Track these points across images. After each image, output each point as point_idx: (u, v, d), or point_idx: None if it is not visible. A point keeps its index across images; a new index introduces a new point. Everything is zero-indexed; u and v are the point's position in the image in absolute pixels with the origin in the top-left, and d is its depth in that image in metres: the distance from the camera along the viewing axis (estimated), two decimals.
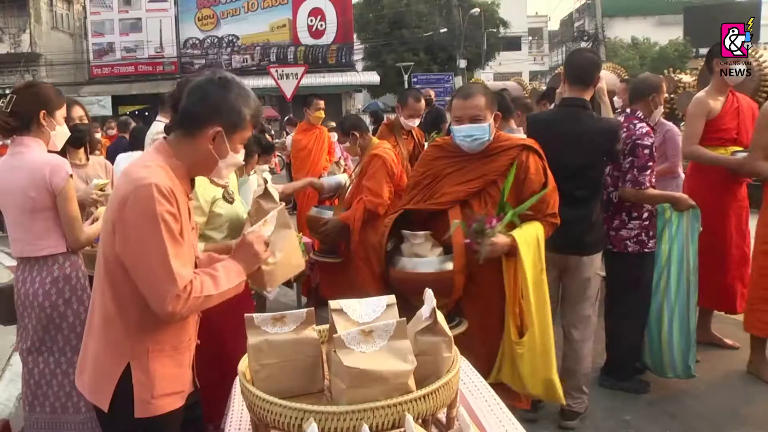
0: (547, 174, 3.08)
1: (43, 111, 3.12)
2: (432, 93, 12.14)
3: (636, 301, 4.08)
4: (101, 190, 3.67)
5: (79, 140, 3.81)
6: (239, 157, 2.11)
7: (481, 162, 3.08)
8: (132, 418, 1.97)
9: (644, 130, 3.91)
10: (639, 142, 3.85)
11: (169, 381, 2.03)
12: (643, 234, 4.00)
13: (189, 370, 2.14)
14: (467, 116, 3.01)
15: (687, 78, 8.24)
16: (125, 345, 1.98)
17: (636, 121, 3.99)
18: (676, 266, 4.01)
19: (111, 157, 6.75)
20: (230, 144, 2.03)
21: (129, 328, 1.97)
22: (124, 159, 5.54)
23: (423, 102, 5.47)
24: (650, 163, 3.87)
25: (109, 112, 26.68)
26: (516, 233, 2.93)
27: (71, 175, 3.10)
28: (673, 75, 8.52)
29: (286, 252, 2.18)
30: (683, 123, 7.27)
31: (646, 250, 4.01)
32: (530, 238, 2.98)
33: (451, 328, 2.54)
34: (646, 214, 4.01)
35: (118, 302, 1.97)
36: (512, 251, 2.92)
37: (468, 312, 3.06)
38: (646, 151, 3.85)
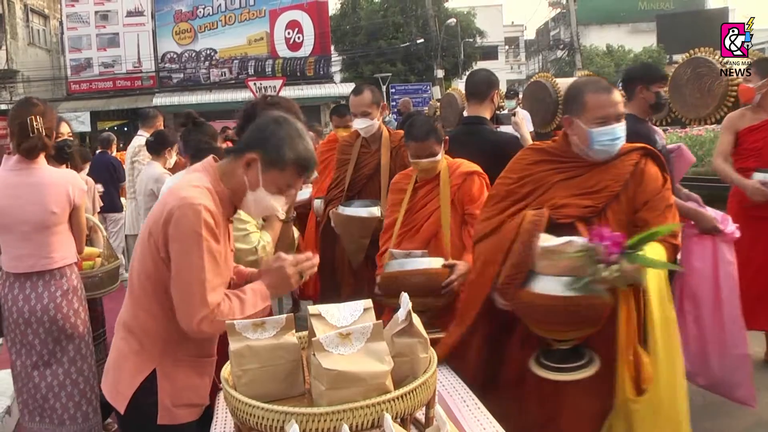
0: (667, 185, 2.56)
1: (54, 130, 3.34)
2: (410, 104, 12.29)
3: None
4: None
5: (64, 155, 3.86)
6: (273, 200, 2.06)
7: (600, 169, 2.55)
8: (145, 423, 2.05)
9: None
10: None
11: (190, 391, 2.10)
12: None
13: (209, 381, 2.20)
14: (614, 114, 2.49)
15: None
16: (154, 352, 2.05)
17: None
18: None
19: (95, 172, 6.72)
20: (264, 178, 2.02)
21: (161, 335, 2.05)
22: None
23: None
24: None
25: (87, 128, 26.42)
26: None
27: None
28: None
29: None
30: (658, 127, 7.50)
31: None
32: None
33: (578, 368, 2.38)
34: None
35: (153, 310, 2.04)
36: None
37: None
38: None
